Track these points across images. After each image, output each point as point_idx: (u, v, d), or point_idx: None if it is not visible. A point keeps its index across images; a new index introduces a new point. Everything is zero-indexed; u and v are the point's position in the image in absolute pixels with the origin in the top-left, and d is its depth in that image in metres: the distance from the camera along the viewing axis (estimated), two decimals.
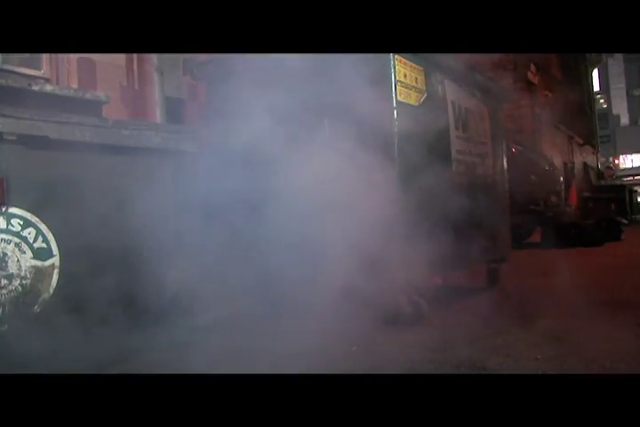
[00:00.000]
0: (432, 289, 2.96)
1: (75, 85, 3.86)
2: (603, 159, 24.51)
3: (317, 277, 2.53)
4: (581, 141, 17.99)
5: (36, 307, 2.18)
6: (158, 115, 4.56)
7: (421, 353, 2.48)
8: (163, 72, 4.57)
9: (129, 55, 4.57)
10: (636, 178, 20.53)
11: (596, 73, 26.03)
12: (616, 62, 30.81)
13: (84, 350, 2.30)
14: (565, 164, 14.81)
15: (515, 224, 4.77)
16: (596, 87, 27.85)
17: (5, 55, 3.20)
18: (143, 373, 2.20)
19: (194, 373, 2.10)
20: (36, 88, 2.54)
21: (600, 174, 19.50)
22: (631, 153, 31.48)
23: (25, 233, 2.16)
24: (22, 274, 2.15)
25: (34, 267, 2.18)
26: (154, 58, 4.48)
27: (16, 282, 2.13)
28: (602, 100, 31.44)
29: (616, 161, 30.27)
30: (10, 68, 3.24)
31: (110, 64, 4.43)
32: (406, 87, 2.97)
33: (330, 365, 2.35)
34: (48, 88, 2.67)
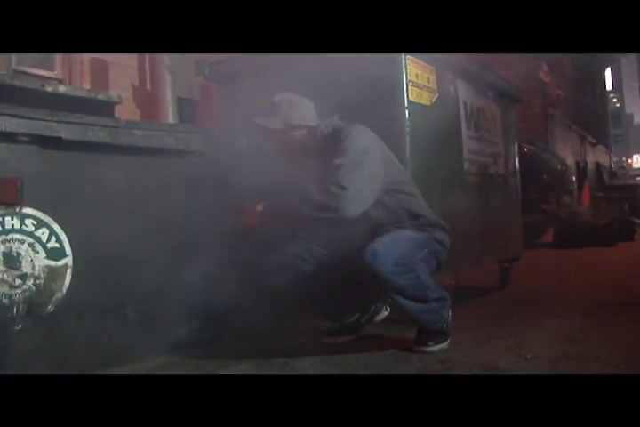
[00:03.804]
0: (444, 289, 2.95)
1: (87, 86, 3.88)
2: (616, 159, 24.36)
3: (330, 275, 2.53)
4: (594, 141, 17.90)
5: (49, 306, 2.20)
6: (170, 115, 4.58)
7: (433, 353, 2.48)
8: (174, 72, 4.59)
9: (141, 56, 4.59)
10: None
11: (608, 72, 25.88)
12: (629, 61, 30.63)
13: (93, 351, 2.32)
14: (578, 163, 14.73)
15: (527, 224, 4.75)
16: (609, 86, 27.68)
17: (20, 57, 3.22)
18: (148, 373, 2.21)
19: (194, 373, 2.11)
20: (49, 89, 2.55)
21: (613, 174, 19.40)
22: None
23: (38, 233, 2.17)
24: (36, 274, 2.16)
25: (47, 267, 2.19)
26: (166, 58, 4.50)
27: (30, 282, 2.14)
28: (615, 99, 31.22)
29: (629, 160, 30.09)
30: (24, 69, 3.26)
31: (122, 65, 4.45)
32: (418, 87, 2.97)
33: (340, 365, 2.35)
34: (61, 89, 2.68)
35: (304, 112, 2.60)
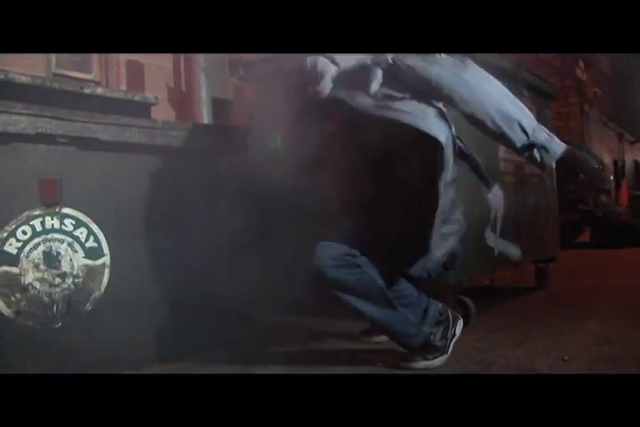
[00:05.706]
0: (480, 289, 2.93)
1: (124, 88, 3.93)
2: None
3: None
4: (632, 139, 17.59)
5: (87, 305, 2.23)
6: (205, 115, 4.61)
7: (469, 354, 2.46)
8: (209, 73, 4.62)
9: (176, 57, 4.63)
10: None
11: None
12: None
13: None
14: (615, 162, 14.50)
15: (563, 224, 4.70)
16: None
17: (59, 61, 3.28)
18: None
19: (194, 373, 2.12)
20: (87, 91, 2.59)
21: None
22: None
23: (77, 233, 2.21)
24: (75, 273, 2.20)
25: (85, 266, 2.23)
26: (200, 59, 4.53)
27: (69, 280, 2.19)
28: None
29: None
30: (62, 72, 3.32)
31: (157, 66, 4.49)
32: None
33: (372, 365, 2.35)
34: (98, 91, 2.71)
35: None
